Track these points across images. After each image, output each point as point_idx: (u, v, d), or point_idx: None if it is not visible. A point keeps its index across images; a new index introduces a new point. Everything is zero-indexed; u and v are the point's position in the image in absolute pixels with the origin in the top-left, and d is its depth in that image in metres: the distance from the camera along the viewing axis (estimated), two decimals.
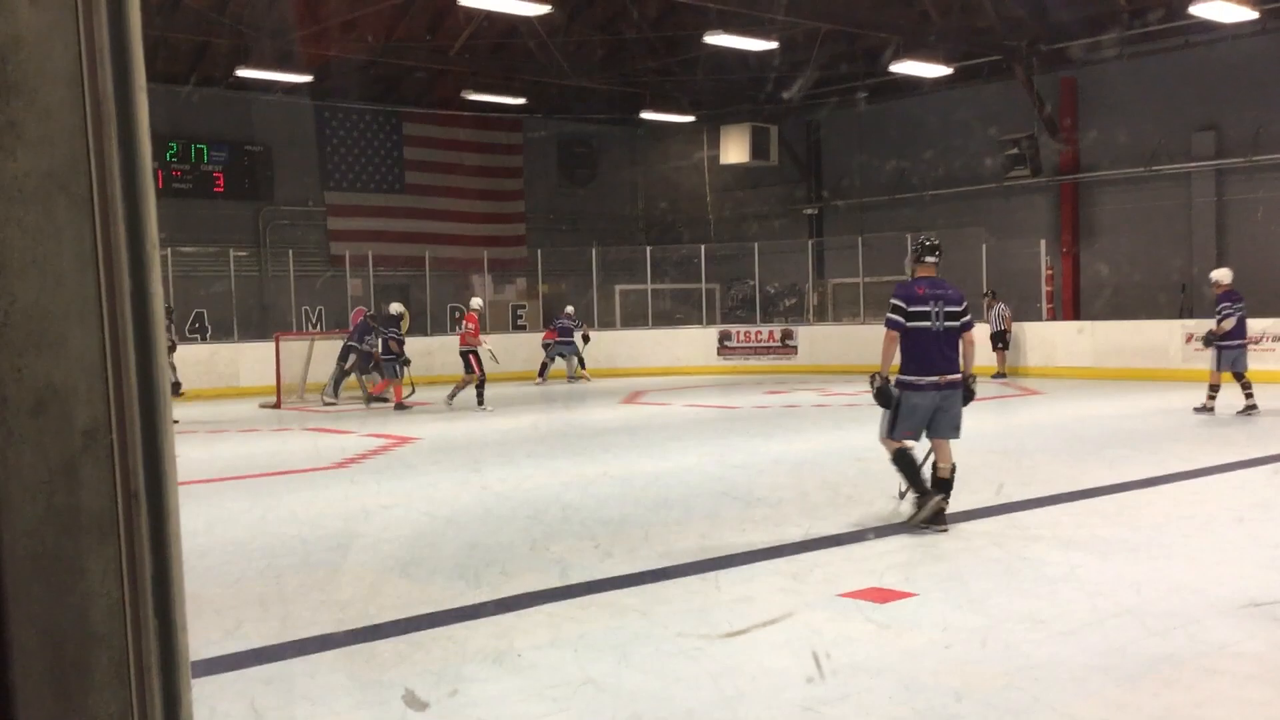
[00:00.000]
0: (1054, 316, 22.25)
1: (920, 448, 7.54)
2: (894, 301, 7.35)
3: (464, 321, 16.76)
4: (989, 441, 11.89)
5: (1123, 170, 22.63)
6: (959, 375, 7.18)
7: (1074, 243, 23.62)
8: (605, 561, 6.55)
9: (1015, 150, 23.24)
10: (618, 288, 26.81)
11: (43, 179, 0.87)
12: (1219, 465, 9.56)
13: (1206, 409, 13.55)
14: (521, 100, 25.78)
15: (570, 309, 22.85)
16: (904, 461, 7.27)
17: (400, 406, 17.21)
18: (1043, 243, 22.24)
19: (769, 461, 10.67)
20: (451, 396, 16.47)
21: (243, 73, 21.39)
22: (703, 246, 26.47)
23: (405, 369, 17.51)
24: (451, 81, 25.19)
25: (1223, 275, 14.01)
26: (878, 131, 26.73)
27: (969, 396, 7.26)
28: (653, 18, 23.40)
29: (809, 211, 28.55)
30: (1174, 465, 9.58)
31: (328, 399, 18.03)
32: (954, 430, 7.26)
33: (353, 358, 18.20)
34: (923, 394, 7.13)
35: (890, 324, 7.28)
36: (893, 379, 7.35)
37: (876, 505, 8.18)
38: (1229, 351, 13.43)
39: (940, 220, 24.62)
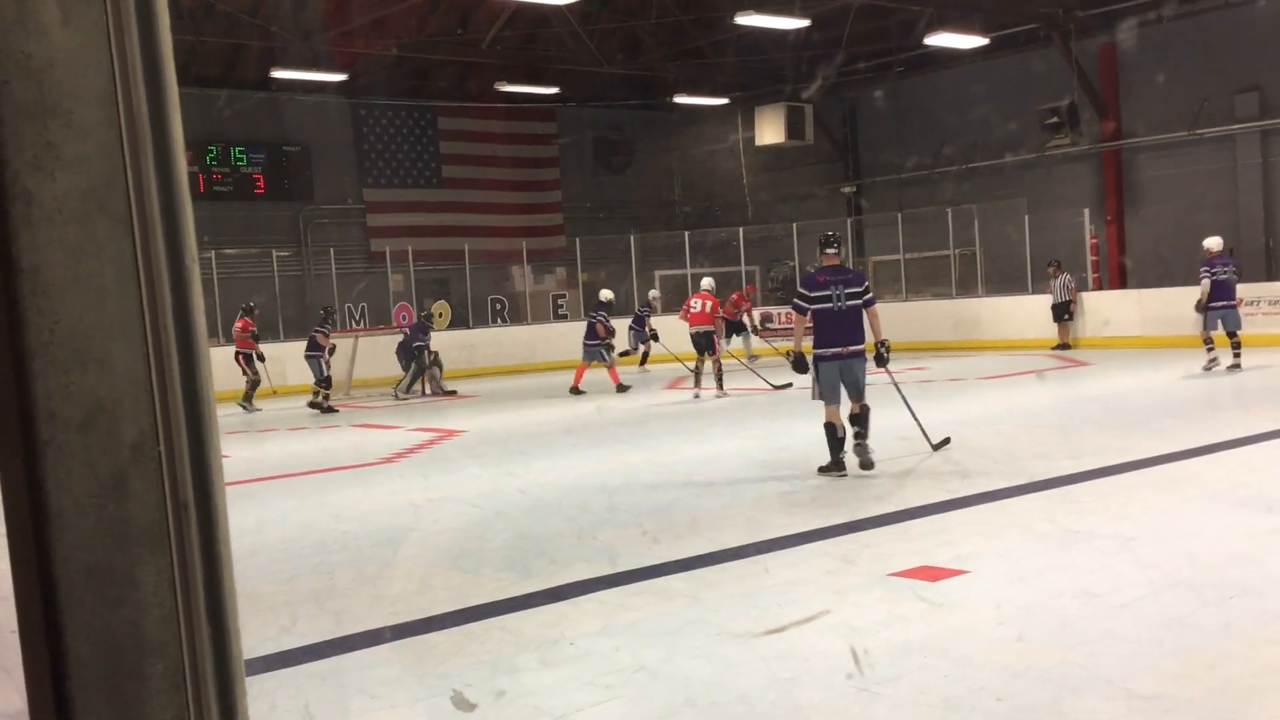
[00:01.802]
0: (1100, 286, 21.98)
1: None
2: (798, 289, 8.95)
3: (701, 301, 15.73)
4: (1037, 416, 11.78)
5: (1165, 135, 22.28)
6: (861, 346, 8.63)
7: (1118, 210, 23.29)
8: (653, 548, 6.57)
9: (1055, 119, 22.92)
10: (657, 273, 26.78)
11: (82, 198, 0.88)
12: (1271, 431, 9.41)
13: (1212, 364, 14.16)
14: (554, 90, 25.79)
15: (653, 293, 21.95)
16: (830, 431, 8.64)
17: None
18: (1086, 212, 21.95)
19: (813, 443, 10.61)
20: (718, 380, 15.66)
21: (277, 74, 21.57)
22: (741, 229, 26.39)
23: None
24: (484, 74, 25.25)
25: (1213, 244, 14.50)
26: (914, 106, 26.48)
27: (881, 360, 8.73)
28: (682, 1, 23.30)
29: (847, 190, 28.36)
30: (1224, 433, 9.44)
31: (401, 395, 18.38)
32: (857, 393, 8.66)
33: (427, 354, 18.59)
34: (829, 363, 8.60)
35: (795, 308, 8.98)
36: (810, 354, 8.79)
37: (924, 483, 8.13)
38: (1214, 312, 14.13)
39: (980, 193, 24.39)
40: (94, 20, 0.89)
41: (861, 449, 8.63)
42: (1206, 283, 14.06)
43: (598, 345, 17.13)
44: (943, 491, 7.71)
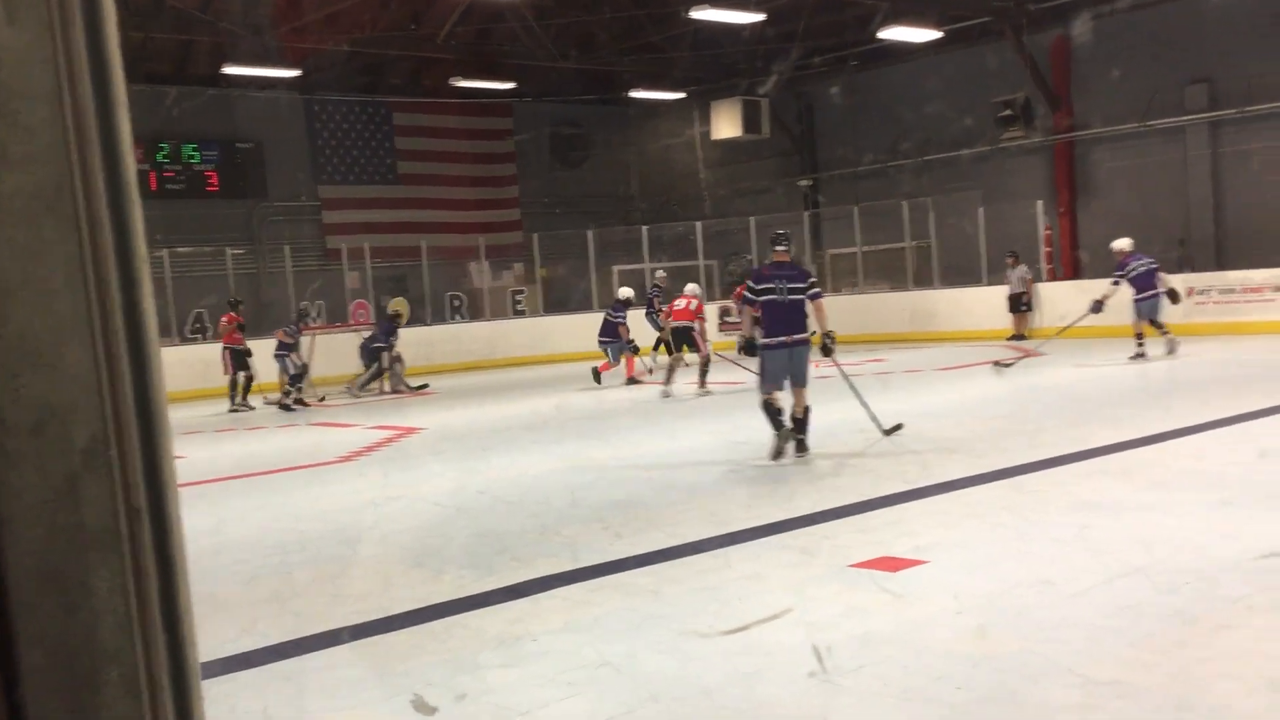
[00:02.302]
0: (1054, 277, 22.22)
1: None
2: (747, 283, 9.55)
3: (686, 301, 15.66)
4: (993, 406, 11.89)
5: (1117, 127, 22.56)
6: (804, 335, 9.13)
7: (1071, 202, 23.57)
8: (616, 544, 6.57)
9: (1008, 112, 23.16)
10: (615, 268, 26.78)
11: (29, 199, 0.87)
12: (1222, 419, 9.56)
13: (1140, 356, 14.94)
14: (510, 85, 25.70)
15: (660, 272, 20.98)
16: (769, 409, 9.13)
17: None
18: (1040, 204, 22.19)
19: (772, 436, 10.66)
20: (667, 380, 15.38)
21: (229, 70, 21.34)
22: (698, 223, 26.43)
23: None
24: (439, 69, 25.12)
25: (1124, 244, 15.23)
26: (870, 100, 26.64)
27: (827, 350, 9.26)
28: None
29: (804, 183, 28.49)
30: (1177, 421, 9.58)
31: (356, 392, 18.22)
32: (802, 379, 9.16)
33: (386, 356, 18.41)
34: (775, 352, 9.13)
35: (744, 300, 9.58)
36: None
37: (883, 474, 8.19)
38: (1143, 304, 14.96)
39: (935, 185, 24.58)
40: (40, 17, 0.87)
41: (800, 445, 9.23)
42: (1112, 286, 14.92)
43: (617, 344, 16.98)
44: (901, 482, 7.76)
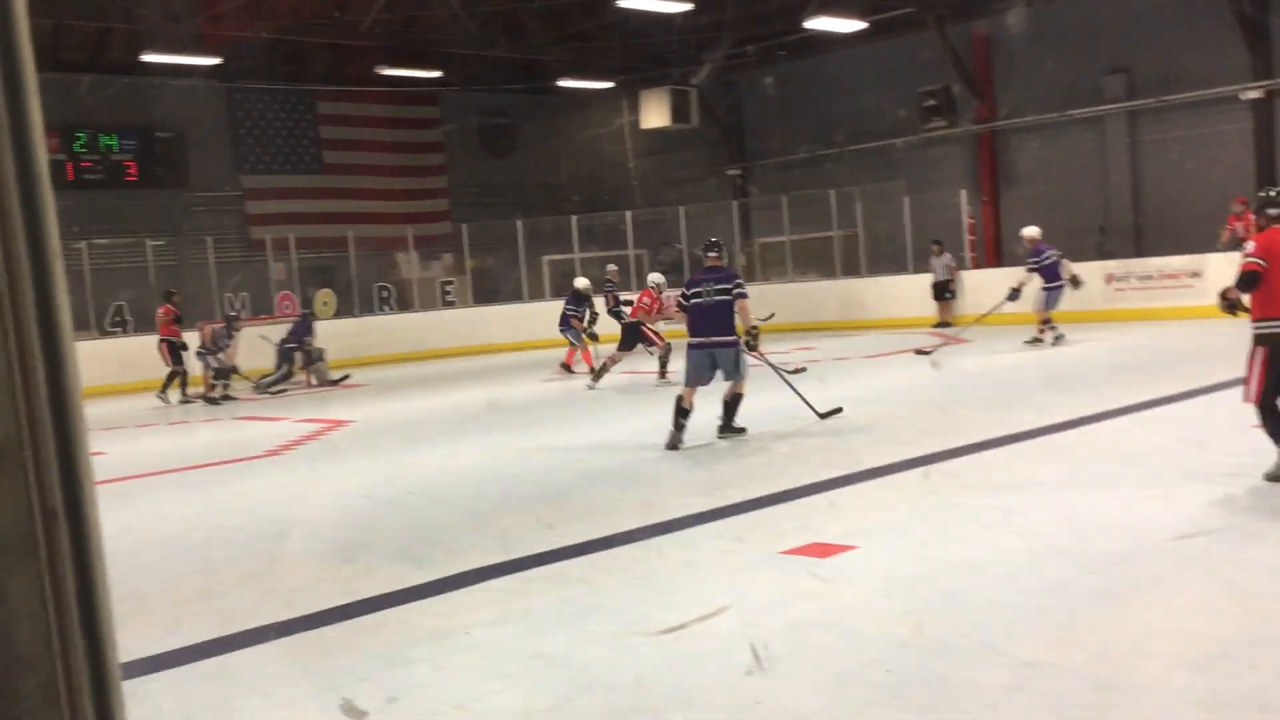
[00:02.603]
0: (978, 265, 22.57)
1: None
2: (681, 289, 10.03)
3: (640, 297, 15.42)
4: (919, 393, 12.05)
5: (1038, 116, 22.94)
6: (727, 337, 9.44)
7: (994, 191, 23.95)
8: (549, 534, 6.55)
9: (932, 102, 23.43)
10: (545, 259, 26.68)
11: None
12: (1142, 403, 9.78)
13: (1039, 340, 15.51)
14: (437, 74, 25.44)
15: (611, 266, 20.56)
16: (677, 405, 9.47)
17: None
18: (963, 193, 22.51)
19: (706, 426, 10.71)
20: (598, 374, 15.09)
21: (148, 58, 20.85)
22: (628, 213, 26.42)
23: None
24: (364, 57, 24.78)
25: (1033, 231, 15.73)
26: (797, 90, 26.82)
27: (751, 345, 9.56)
28: None
29: (732, 172, 28.61)
30: (1099, 405, 9.78)
31: (263, 391, 17.69)
32: (732, 373, 9.48)
33: (298, 356, 18.02)
34: (695, 352, 9.55)
35: (679, 306, 9.98)
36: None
37: (813, 461, 8.26)
38: (1051, 293, 15.41)
39: (863, 175, 24.81)
40: None
41: (723, 429, 9.60)
42: (1027, 274, 15.36)
43: (573, 331, 16.70)
44: (830, 469, 7.84)
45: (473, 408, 13.95)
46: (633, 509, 7.12)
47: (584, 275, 19.78)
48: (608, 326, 17.28)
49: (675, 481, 8.03)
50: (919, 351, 15.48)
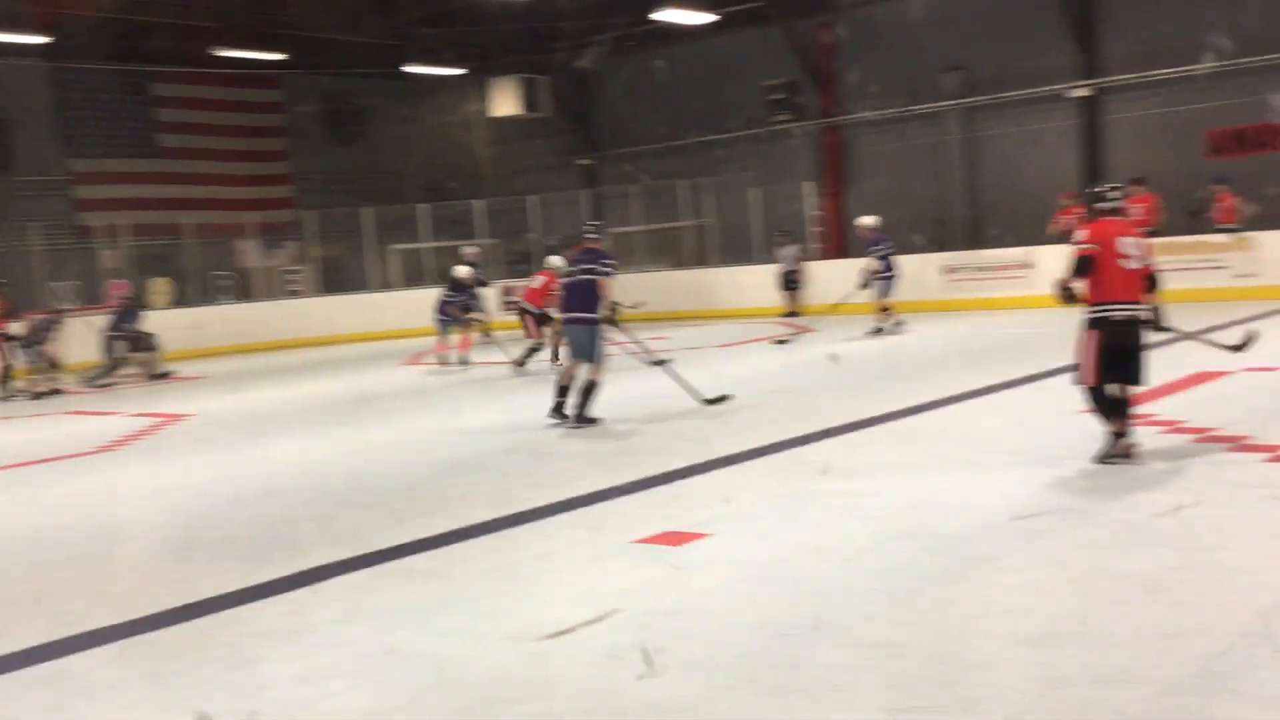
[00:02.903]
0: (824, 256, 23.10)
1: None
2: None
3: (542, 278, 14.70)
4: (769, 381, 12.27)
5: (879, 111, 23.58)
6: (583, 314, 9.69)
7: (838, 184, 24.53)
8: (400, 528, 6.45)
9: (778, 96, 23.84)
10: (393, 248, 26.22)
11: None
12: (979, 389, 10.15)
13: (879, 330, 15.95)
14: (279, 55, 24.70)
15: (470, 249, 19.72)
16: (559, 385, 9.88)
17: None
18: (809, 185, 23.02)
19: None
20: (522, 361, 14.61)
21: None
22: (475, 203, 26.16)
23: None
24: (203, 37, 23.87)
25: (870, 221, 16.22)
26: (648, 80, 26.96)
27: (610, 321, 9.77)
28: None
29: (584, 162, 28.60)
30: (939, 391, 10.11)
31: (95, 384, 16.88)
32: (583, 355, 9.73)
33: (119, 346, 17.23)
34: (568, 327, 9.96)
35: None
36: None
37: (666, 451, 8.32)
38: (887, 281, 15.95)
39: (712, 166, 25.11)
40: None
41: (578, 419, 9.66)
42: (878, 261, 15.83)
43: (452, 323, 16.14)
44: (684, 458, 7.91)
45: (319, 400, 13.62)
46: (486, 500, 7.06)
47: (458, 265, 19.39)
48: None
49: (529, 472, 7.99)
50: (779, 341, 15.75)
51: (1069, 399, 9.08)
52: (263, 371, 18.14)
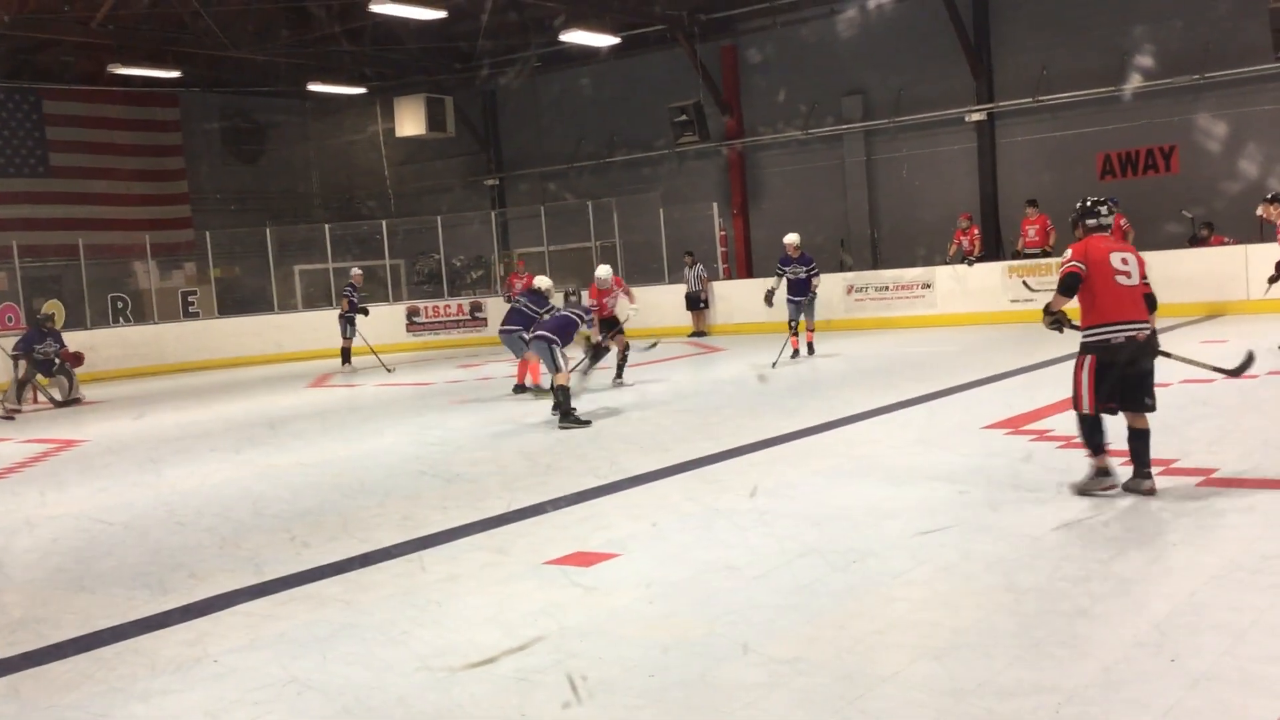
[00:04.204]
0: (730, 276, 23.30)
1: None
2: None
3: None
4: (677, 401, 12.31)
5: (782, 134, 23.89)
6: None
7: (744, 204, 24.78)
8: (303, 553, 6.32)
9: (684, 117, 24.02)
10: (297, 268, 25.80)
11: None
12: (883, 407, 10.30)
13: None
14: (176, 73, 24.19)
15: (355, 270, 19.99)
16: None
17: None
18: (715, 206, 23.21)
19: (466, 436, 10.61)
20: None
21: None
22: (384, 222, 25.90)
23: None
24: (97, 54, 23.29)
25: (793, 239, 15.35)
26: (554, 101, 26.99)
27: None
28: None
29: (490, 182, 28.49)
30: (844, 409, 10.25)
31: (10, 405, 16.21)
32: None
33: (21, 365, 16.56)
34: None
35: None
36: None
37: (575, 471, 8.30)
38: (795, 304, 15.18)
39: (619, 187, 25.20)
40: None
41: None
42: (817, 279, 15.19)
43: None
44: (593, 478, 7.90)
45: (221, 423, 13.31)
46: (393, 524, 6.96)
47: (339, 284, 19.16)
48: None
49: (436, 494, 7.90)
50: (650, 346, 15.06)
51: (970, 416, 9.26)
52: (162, 395, 17.68)
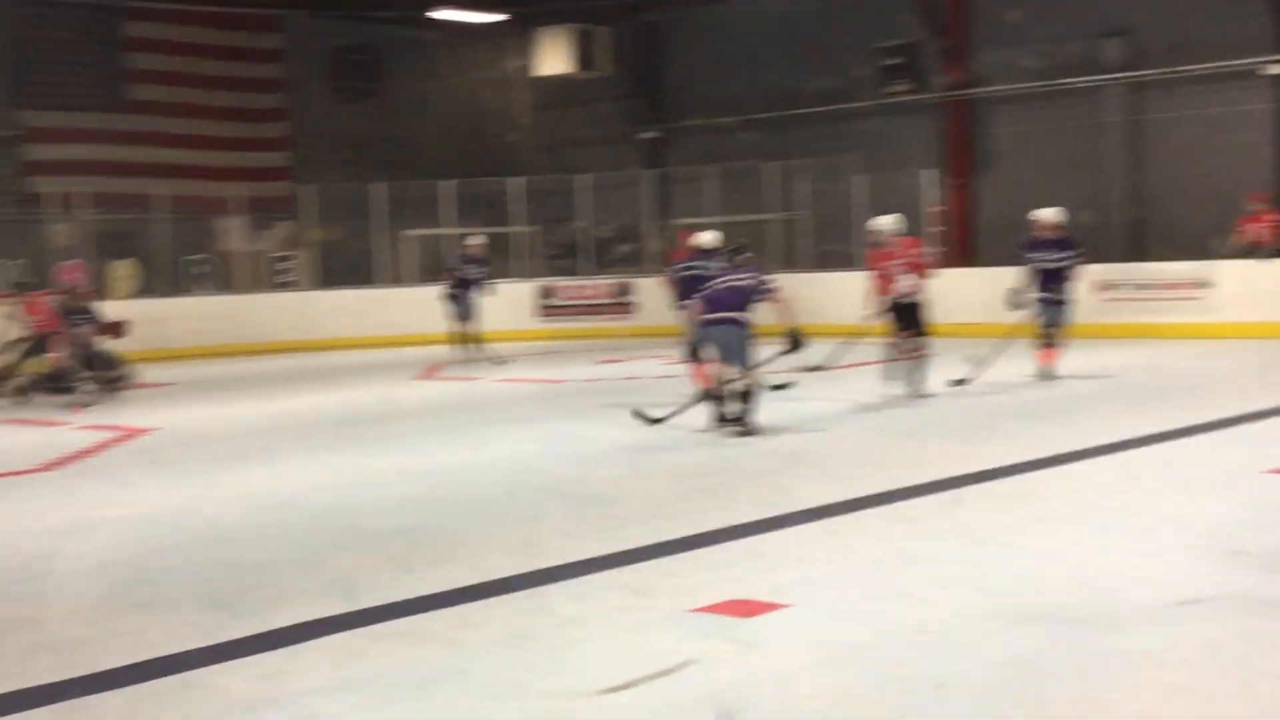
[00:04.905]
0: (945, 263, 22.87)
1: None
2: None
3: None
4: (871, 415, 12.19)
5: (1020, 85, 23.37)
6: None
7: (966, 172, 24.30)
8: (402, 579, 6.48)
9: (895, 60, 23.71)
10: (408, 233, 26.40)
11: None
12: (1134, 439, 10.00)
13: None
14: None
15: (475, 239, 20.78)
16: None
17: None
18: (928, 174, 22.82)
19: (604, 449, 10.70)
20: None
21: None
22: (511, 181, 26.25)
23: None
24: None
25: (1052, 215, 14.62)
26: (733, 37, 26.93)
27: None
28: None
29: (648, 135, 28.63)
30: (1086, 439, 9.98)
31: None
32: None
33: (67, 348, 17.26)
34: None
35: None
36: None
37: (736, 498, 8.29)
38: (1053, 307, 14.21)
39: (807, 145, 24.95)
40: None
41: (735, 422, 10.71)
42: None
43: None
44: (757, 508, 7.88)
45: (310, 417, 13.74)
46: (510, 550, 7.07)
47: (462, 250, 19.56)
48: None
49: (563, 516, 8.00)
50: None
51: (1253, 456, 8.91)
52: (242, 379, 18.35)
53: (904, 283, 13.15)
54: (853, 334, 15.81)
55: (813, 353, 13.34)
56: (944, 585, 6.02)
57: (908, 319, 13.22)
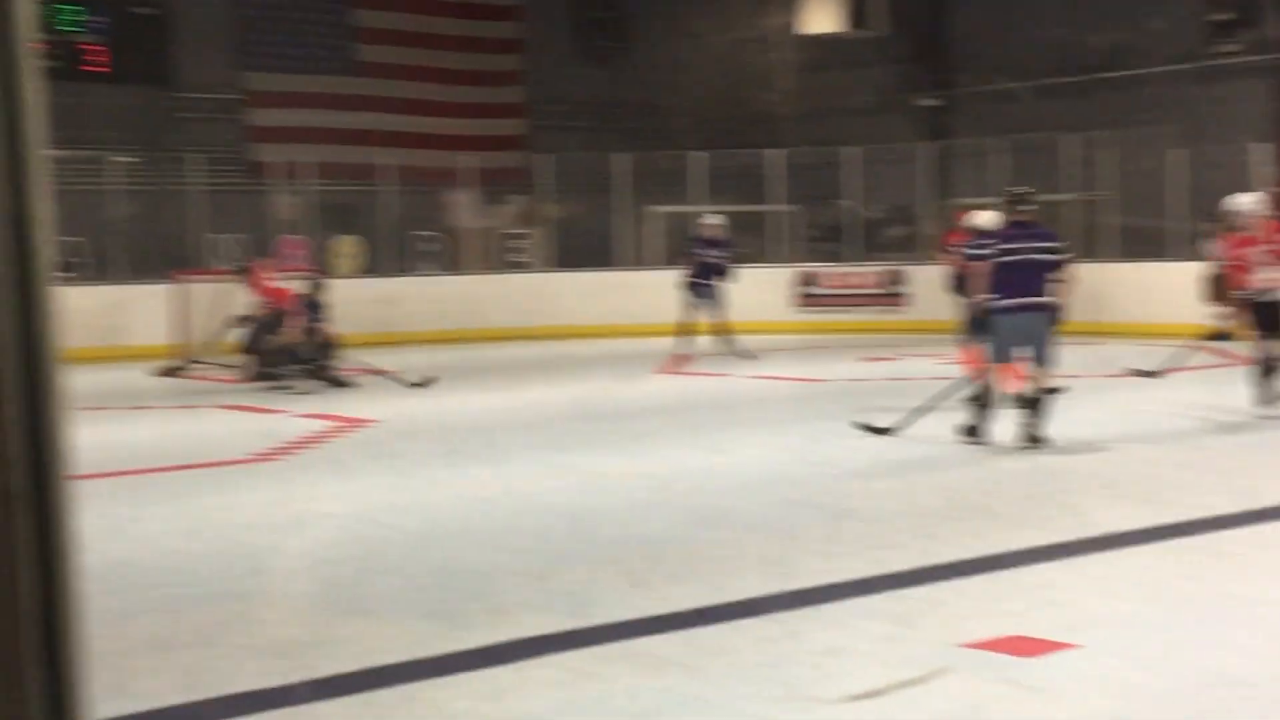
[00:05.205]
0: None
1: None
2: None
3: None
4: (1183, 432, 11.81)
5: None
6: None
7: None
8: (637, 596, 6.57)
9: (1223, 16, 22.91)
10: (654, 210, 26.61)
11: None
12: None
13: None
14: None
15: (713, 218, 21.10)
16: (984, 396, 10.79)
17: None
18: (1261, 148, 21.96)
19: (867, 459, 10.63)
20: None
21: None
22: (770, 153, 26.22)
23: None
24: None
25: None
26: None
27: None
28: None
29: (929, 103, 28.31)
30: None
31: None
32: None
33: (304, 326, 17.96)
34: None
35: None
36: None
37: (1018, 520, 8.16)
38: None
39: (1113, 115, 24.32)
40: None
41: (1031, 435, 10.49)
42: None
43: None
44: (1044, 533, 7.74)
45: (541, 412, 14.01)
46: (756, 568, 7.11)
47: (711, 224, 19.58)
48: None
49: (819, 533, 7.99)
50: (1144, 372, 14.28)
51: None
52: (470, 368, 18.76)
53: (1264, 275, 12.37)
54: (1199, 336, 15.17)
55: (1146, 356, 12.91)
56: (1265, 632, 5.82)
57: (1268, 319, 12.38)
